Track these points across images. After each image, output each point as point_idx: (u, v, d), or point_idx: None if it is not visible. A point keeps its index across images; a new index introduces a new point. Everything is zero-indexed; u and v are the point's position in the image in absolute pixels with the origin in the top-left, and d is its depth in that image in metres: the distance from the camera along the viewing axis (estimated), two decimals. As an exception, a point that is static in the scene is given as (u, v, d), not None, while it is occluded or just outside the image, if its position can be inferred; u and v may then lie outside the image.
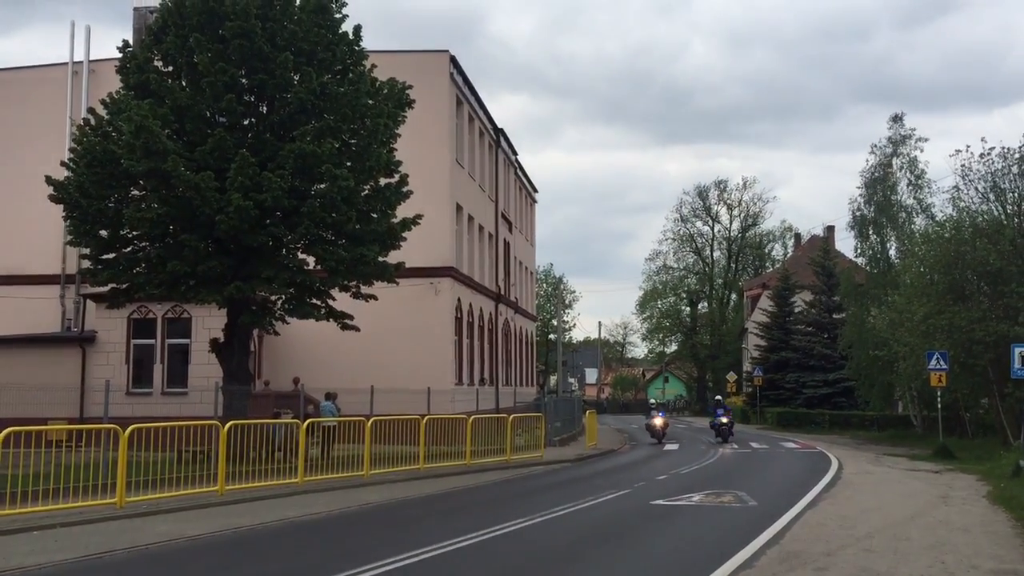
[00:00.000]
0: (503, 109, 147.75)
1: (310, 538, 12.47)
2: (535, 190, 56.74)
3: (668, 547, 11.98)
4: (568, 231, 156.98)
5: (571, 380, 68.35)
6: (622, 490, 18.00)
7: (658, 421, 35.73)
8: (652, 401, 48.11)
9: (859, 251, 41.88)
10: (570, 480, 20.78)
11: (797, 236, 77.55)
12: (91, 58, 32.48)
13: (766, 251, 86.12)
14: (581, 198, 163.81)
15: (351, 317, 22.64)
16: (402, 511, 15.51)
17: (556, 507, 15.07)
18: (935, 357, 28.10)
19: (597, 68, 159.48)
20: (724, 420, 35.61)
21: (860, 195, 40.62)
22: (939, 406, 30.20)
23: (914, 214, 40.05)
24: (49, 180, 20.67)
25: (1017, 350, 22.87)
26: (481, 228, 38.29)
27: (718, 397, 42.04)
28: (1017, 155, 30.22)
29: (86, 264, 22.68)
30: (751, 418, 55.16)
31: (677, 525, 13.64)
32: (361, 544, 11.99)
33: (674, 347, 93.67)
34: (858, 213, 40.69)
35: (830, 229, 63.53)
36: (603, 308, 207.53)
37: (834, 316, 51.35)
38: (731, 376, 66.72)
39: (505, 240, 43.94)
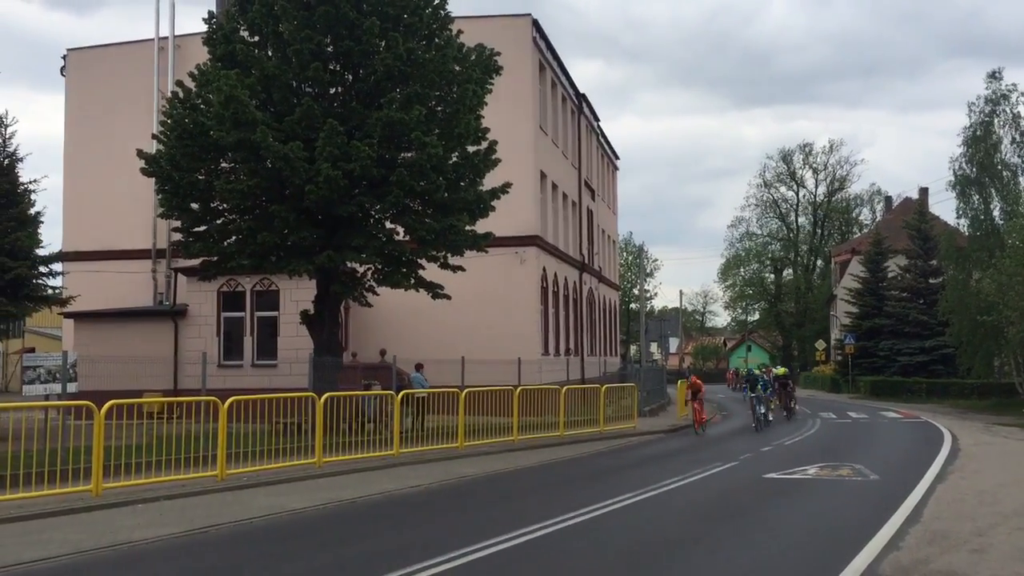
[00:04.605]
0: (576, 76, 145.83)
1: (414, 513, 12.11)
2: (616, 157, 55.65)
3: (796, 525, 11.23)
4: (644, 198, 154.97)
5: (652, 350, 67.25)
6: (729, 462, 17.30)
7: None
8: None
9: (960, 212, 39.96)
10: (670, 452, 20.12)
11: (887, 199, 75.10)
12: (176, 33, 32.60)
13: (854, 216, 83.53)
14: (657, 165, 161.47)
15: (441, 287, 22.26)
16: (502, 484, 15.09)
17: (664, 480, 14.46)
18: (1051, 322, 26.62)
19: (672, 31, 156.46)
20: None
21: (961, 154, 38.84)
22: (1054, 373, 28.67)
23: (1019, 173, 38.21)
24: (140, 153, 20.64)
25: None
26: (565, 196, 37.56)
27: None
28: None
29: (177, 237, 22.71)
30: (842, 387, 53.69)
31: (799, 501, 12.91)
32: (467, 520, 11.60)
33: (757, 315, 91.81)
34: (959, 173, 38.83)
35: (924, 191, 61.44)
36: (680, 277, 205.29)
37: (930, 281, 49.46)
38: (820, 344, 65.05)
39: (588, 208, 43.15)
